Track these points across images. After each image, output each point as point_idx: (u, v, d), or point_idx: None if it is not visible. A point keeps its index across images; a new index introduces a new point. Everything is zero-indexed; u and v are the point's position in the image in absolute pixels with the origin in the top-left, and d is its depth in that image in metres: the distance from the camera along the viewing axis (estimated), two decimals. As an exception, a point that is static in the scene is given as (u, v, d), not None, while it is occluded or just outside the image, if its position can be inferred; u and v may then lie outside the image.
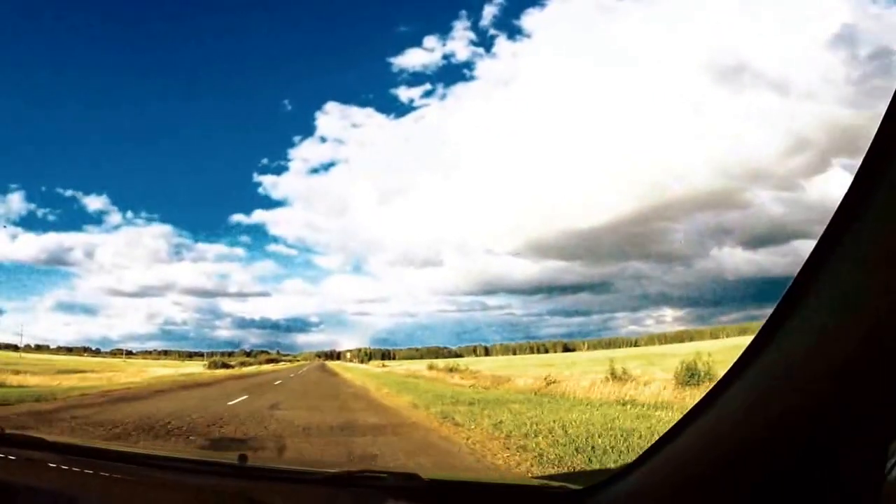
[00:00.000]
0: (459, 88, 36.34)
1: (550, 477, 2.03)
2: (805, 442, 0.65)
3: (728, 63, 32.26)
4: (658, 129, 31.99)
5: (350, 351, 49.05)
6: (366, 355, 48.25)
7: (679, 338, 34.86)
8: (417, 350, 41.57)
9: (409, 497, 1.16)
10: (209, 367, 35.81)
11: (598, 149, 32.97)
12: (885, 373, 0.58)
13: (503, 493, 1.30)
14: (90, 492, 1.29)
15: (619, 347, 36.25)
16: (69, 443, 1.62)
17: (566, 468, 4.75)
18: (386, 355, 42.69)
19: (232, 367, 38.01)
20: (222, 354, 39.99)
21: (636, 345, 37.76)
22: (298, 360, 52.05)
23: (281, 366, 47.63)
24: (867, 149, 0.59)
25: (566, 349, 38.61)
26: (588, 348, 37.50)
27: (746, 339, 0.75)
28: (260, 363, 52.78)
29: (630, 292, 36.70)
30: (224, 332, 42.54)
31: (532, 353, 39.54)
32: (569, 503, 1.11)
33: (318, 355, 50.97)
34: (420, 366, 31.09)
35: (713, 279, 34.74)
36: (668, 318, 38.20)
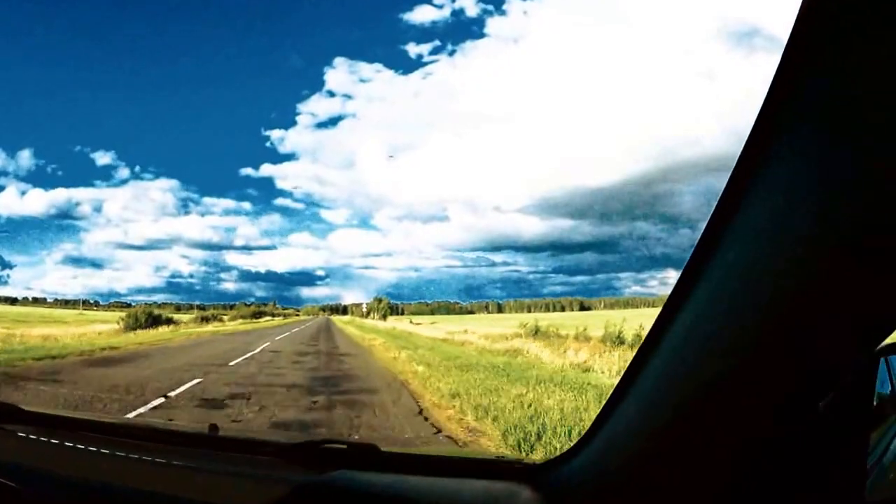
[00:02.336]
0: (469, 45, 35.75)
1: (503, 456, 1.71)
2: (744, 404, 0.65)
3: (742, 26, 31.89)
4: (671, 90, 32.55)
5: (367, 303, 44.89)
6: (388, 308, 42.89)
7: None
8: (427, 305, 42.26)
9: (368, 468, 1.16)
10: (125, 325, 21.00)
11: (609, 109, 33.13)
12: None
13: (460, 466, 1.26)
14: (49, 460, 1.25)
15: (637, 308, 36.28)
16: (31, 411, 1.51)
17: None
18: (394, 309, 42.37)
19: (174, 322, 23.56)
20: (219, 306, 40.68)
21: (653, 305, 36.76)
22: (300, 315, 43.15)
23: (264, 323, 33.80)
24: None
25: (582, 307, 39.13)
26: (604, 307, 37.77)
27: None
28: (242, 317, 38.43)
29: (636, 253, 37.41)
30: (230, 285, 44.02)
31: (548, 310, 39.07)
32: (527, 477, 1.09)
33: (323, 309, 46.25)
34: (479, 326, 21.06)
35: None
36: (672, 280, 34.73)
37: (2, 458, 1.21)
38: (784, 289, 0.57)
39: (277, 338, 16.40)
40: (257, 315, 40.08)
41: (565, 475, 0.98)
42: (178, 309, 37.45)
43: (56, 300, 34.26)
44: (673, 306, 0.71)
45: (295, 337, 17.58)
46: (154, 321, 22.19)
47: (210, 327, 22.85)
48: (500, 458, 1.41)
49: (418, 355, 11.31)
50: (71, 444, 1.29)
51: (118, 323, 21.40)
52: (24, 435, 1.34)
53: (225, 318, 36.42)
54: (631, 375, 0.81)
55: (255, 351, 11.72)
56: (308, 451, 1.22)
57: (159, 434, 1.42)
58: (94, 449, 1.26)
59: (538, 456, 3.80)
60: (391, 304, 41.84)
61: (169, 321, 23.85)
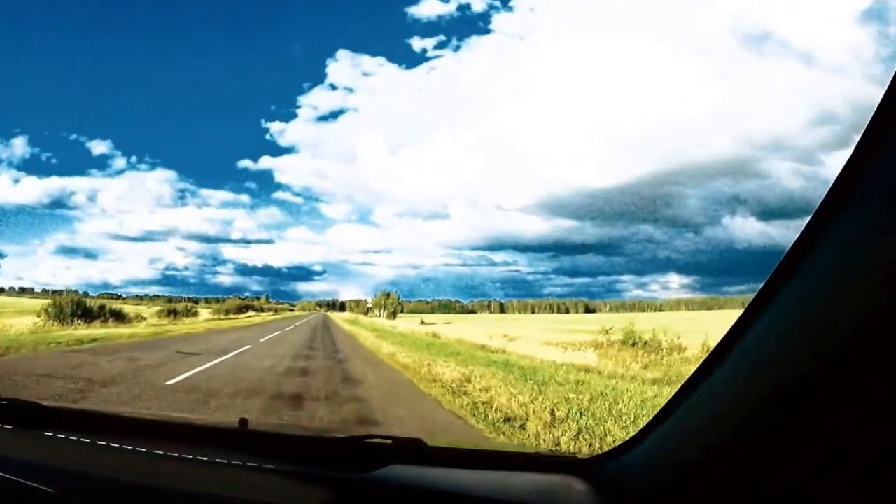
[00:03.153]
0: (474, 41, 34.38)
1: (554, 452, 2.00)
2: (818, 405, 0.61)
3: (754, 30, 30.52)
4: (679, 92, 31.53)
5: (372, 299, 38.91)
6: (398, 305, 37.69)
7: (707, 305, 34.24)
8: (427, 303, 39.41)
9: (415, 463, 1.13)
10: (49, 316, 15.80)
11: (616, 109, 31.82)
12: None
13: (510, 460, 1.24)
14: (79, 461, 1.18)
15: (644, 311, 34.80)
16: (55, 406, 1.45)
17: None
18: (395, 307, 37.61)
19: (122, 317, 18.33)
20: (211, 299, 36.03)
21: (661, 310, 36.12)
22: (294, 311, 39.64)
23: (244, 321, 28.61)
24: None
25: (588, 310, 37.63)
26: (609, 310, 36.16)
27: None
28: (226, 311, 33.31)
29: (638, 255, 35.93)
30: (225, 279, 42.25)
31: (551, 311, 37.91)
32: (578, 470, 1.09)
33: (319, 304, 43.23)
34: (519, 328, 18.56)
35: (723, 248, 33.93)
36: (675, 284, 37.26)
37: (32, 460, 1.18)
38: (879, 303, 0.53)
39: (213, 363, 8.86)
40: (243, 309, 34.90)
41: (617, 469, 0.98)
42: (170, 301, 35.22)
43: (44, 290, 33.42)
44: (752, 314, 0.68)
45: (269, 352, 10.79)
46: (85, 313, 16.80)
47: (124, 329, 16.05)
48: (550, 453, 1.47)
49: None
50: (100, 443, 1.25)
51: (38, 315, 16.18)
52: (51, 435, 1.30)
53: (204, 311, 31.30)
54: (694, 382, 0.79)
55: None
56: (351, 447, 1.17)
57: (187, 429, 1.40)
58: (124, 447, 1.22)
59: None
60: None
61: (117, 315, 18.62)
